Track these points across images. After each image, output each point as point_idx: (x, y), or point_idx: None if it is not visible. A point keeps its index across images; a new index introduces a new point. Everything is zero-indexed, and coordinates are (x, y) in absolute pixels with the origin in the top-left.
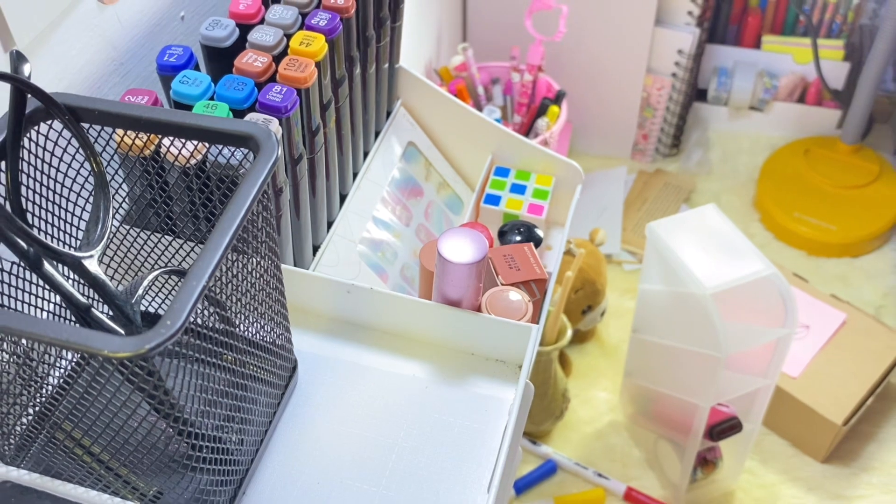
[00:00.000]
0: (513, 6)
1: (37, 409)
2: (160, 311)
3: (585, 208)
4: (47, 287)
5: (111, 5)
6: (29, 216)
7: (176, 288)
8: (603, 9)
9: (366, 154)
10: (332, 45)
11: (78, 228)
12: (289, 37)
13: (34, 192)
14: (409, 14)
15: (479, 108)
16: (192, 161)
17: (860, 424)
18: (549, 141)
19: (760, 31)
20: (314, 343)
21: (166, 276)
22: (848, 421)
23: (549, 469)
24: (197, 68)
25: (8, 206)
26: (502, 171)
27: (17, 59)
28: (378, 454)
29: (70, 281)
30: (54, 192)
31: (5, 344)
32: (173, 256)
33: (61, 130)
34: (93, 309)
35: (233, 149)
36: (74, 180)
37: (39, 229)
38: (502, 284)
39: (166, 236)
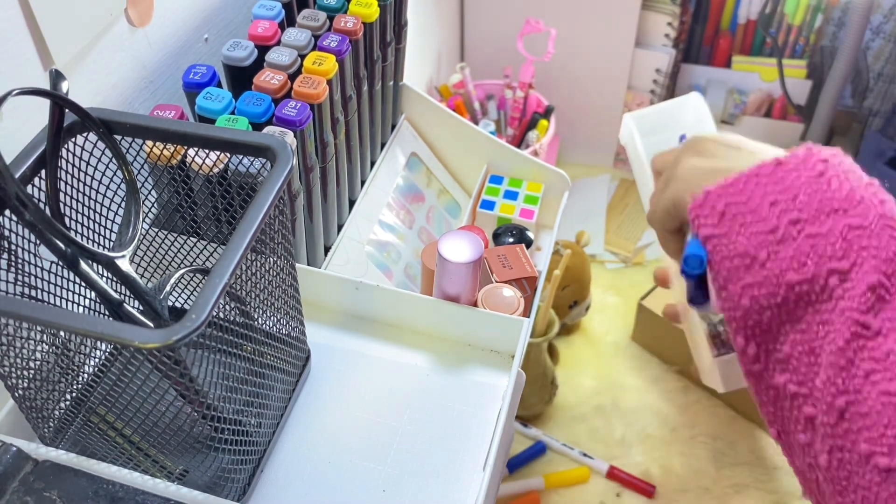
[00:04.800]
0: (506, 29)
1: (74, 394)
2: (186, 306)
3: (572, 212)
4: (83, 284)
5: (142, 28)
6: (67, 220)
7: (200, 285)
8: (588, 32)
9: (372, 163)
10: (342, 64)
11: (111, 231)
12: (303, 57)
13: (71, 197)
14: (412, 36)
15: (476, 122)
16: (215, 170)
17: None
18: (539, 151)
19: (731, 51)
20: (326, 335)
21: (191, 275)
22: None
23: (538, 449)
24: (219, 85)
25: (48, 211)
26: (496, 179)
27: (56, 77)
28: (383, 436)
29: (104, 279)
30: (90, 197)
31: (45, 336)
32: (198, 256)
33: (96, 142)
34: (124, 304)
35: (252, 159)
36: (108, 187)
37: (76, 231)
38: (496, 282)
39: (191, 238)
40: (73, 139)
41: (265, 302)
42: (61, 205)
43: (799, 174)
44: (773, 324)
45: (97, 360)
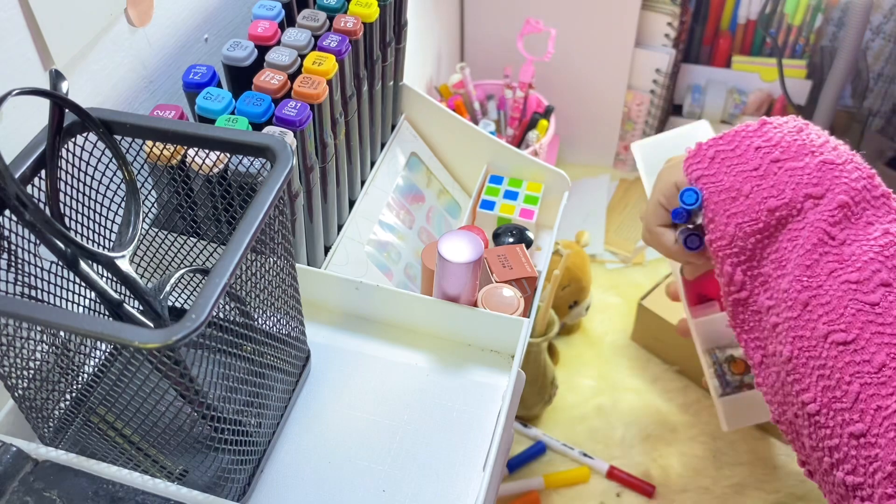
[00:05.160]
0: (506, 29)
1: (73, 394)
2: (186, 306)
3: (572, 212)
4: (83, 284)
5: (142, 28)
6: (67, 220)
7: (200, 285)
8: (588, 32)
9: (372, 163)
10: (342, 64)
11: (111, 231)
12: (303, 57)
13: (71, 197)
14: (412, 36)
15: (476, 122)
16: (215, 170)
17: None
18: (539, 151)
19: (731, 52)
20: (326, 335)
21: (191, 275)
22: None
23: (538, 450)
24: (219, 85)
25: (48, 211)
26: (496, 179)
27: (56, 77)
28: (383, 436)
29: (104, 279)
30: (90, 197)
31: (45, 336)
32: (198, 257)
33: (96, 142)
34: (124, 304)
35: (252, 159)
36: (108, 187)
37: (76, 232)
38: (496, 282)
39: (191, 238)
40: (73, 139)
41: (265, 302)
42: (61, 205)
43: (781, 129)
44: (757, 249)
45: (97, 360)
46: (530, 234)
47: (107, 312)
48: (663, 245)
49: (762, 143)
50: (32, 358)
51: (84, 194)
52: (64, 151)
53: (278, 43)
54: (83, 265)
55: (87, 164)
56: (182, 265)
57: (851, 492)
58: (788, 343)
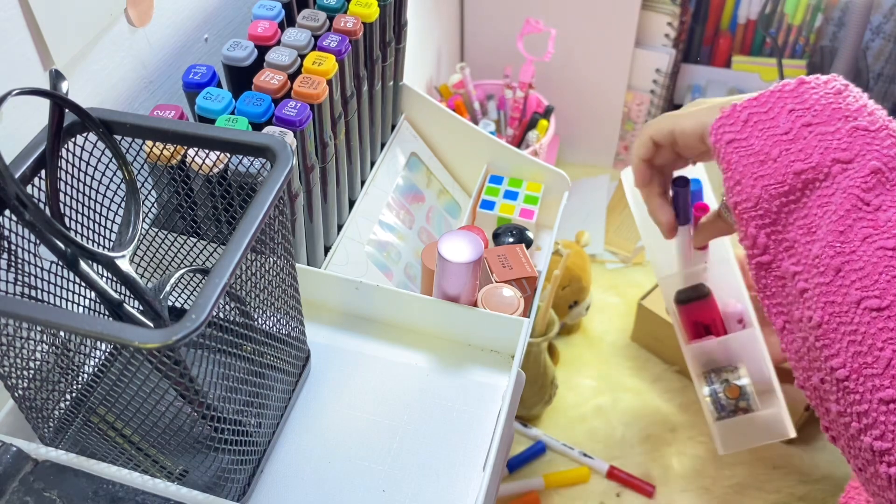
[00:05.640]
0: (506, 29)
1: (73, 394)
2: (186, 306)
3: (572, 212)
4: (83, 284)
5: (142, 28)
6: (67, 220)
7: (200, 285)
8: (588, 32)
9: (372, 163)
10: (342, 64)
11: (111, 231)
12: (303, 57)
13: (71, 197)
14: (412, 36)
15: (476, 122)
16: (215, 170)
17: None
18: (539, 152)
19: (731, 51)
20: (326, 335)
21: (191, 275)
22: (809, 406)
23: (538, 449)
24: (219, 86)
25: (48, 211)
26: (496, 179)
27: (56, 77)
28: (383, 436)
29: (104, 279)
30: (90, 197)
31: (45, 336)
32: (198, 256)
33: (96, 142)
34: (124, 304)
35: (252, 159)
36: (108, 187)
37: (76, 232)
38: (496, 282)
39: (191, 238)
40: (73, 139)
41: (265, 302)
42: (61, 205)
43: (818, 90)
44: (782, 212)
45: (97, 360)
46: (530, 234)
47: (107, 312)
48: (636, 170)
49: (796, 105)
50: (32, 358)
51: (84, 194)
52: (64, 151)
53: (278, 43)
54: (83, 265)
55: (87, 164)
56: (182, 265)
57: (878, 457)
58: (819, 308)
